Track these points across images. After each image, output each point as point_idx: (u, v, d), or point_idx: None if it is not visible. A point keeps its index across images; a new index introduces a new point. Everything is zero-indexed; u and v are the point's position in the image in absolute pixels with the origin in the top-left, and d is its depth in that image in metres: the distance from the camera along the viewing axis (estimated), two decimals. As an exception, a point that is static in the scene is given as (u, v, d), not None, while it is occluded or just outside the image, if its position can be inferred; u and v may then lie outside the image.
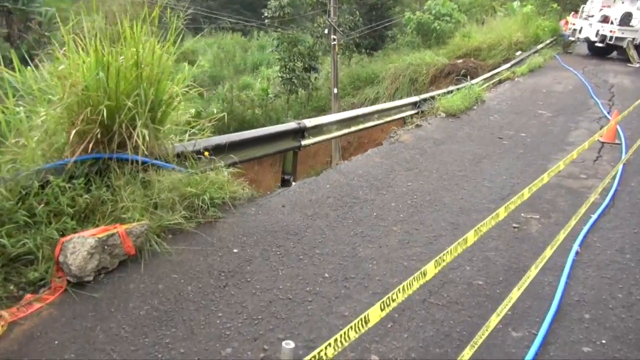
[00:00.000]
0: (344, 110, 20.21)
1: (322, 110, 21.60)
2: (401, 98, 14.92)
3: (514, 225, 4.37)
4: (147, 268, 3.22)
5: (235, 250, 3.56)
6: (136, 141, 3.65)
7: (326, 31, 19.57)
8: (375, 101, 20.48)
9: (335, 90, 19.54)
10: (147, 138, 3.70)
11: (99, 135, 3.61)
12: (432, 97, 8.99)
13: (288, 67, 20.83)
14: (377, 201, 4.66)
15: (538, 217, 4.63)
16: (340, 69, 23.81)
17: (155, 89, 3.86)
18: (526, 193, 3.10)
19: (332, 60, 19.84)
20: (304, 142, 5.98)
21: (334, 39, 19.13)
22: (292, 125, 5.87)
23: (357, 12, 22.84)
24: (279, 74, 21.55)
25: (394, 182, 5.19)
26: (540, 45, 17.72)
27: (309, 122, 6.07)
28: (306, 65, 21.52)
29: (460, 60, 18.37)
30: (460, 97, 8.71)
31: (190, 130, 4.80)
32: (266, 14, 21.73)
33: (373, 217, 4.32)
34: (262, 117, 22.82)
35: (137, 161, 3.73)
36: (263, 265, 3.41)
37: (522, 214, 4.61)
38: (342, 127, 6.88)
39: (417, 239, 3.97)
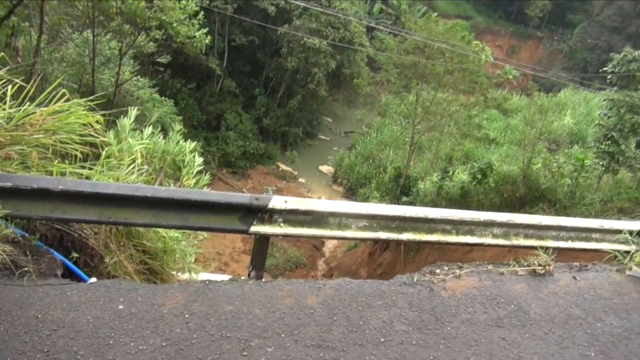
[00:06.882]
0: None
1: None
2: None
3: None
4: None
5: None
6: None
7: (676, 99, 13.72)
8: None
9: (664, 184, 13.54)
10: None
11: None
12: None
13: (611, 137, 15.67)
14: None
15: None
16: None
17: None
18: None
19: (677, 141, 13.81)
20: (258, 229, 3.81)
21: (688, 112, 13.17)
22: (238, 198, 3.83)
23: None
24: (594, 144, 16.55)
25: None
26: None
27: (283, 202, 3.82)
28: (642, 141, 15.76)
29: None
30: None
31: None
32: (606, 68, 16.93)
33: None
34: (561, 191, 18.15)
35: None
36: None
37: None
38: (378, 229, 4.15)
39: None
